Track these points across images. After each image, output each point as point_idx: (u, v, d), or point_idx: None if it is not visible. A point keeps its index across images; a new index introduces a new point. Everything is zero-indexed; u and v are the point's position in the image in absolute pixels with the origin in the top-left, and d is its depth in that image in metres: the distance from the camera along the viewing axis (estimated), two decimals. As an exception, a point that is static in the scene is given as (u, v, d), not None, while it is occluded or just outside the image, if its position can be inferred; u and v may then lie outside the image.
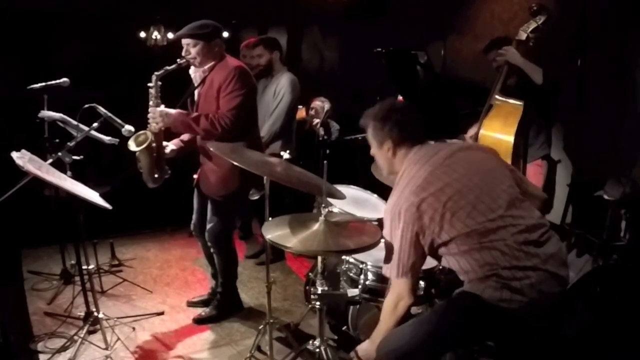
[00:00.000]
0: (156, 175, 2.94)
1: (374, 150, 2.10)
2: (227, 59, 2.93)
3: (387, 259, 1.94)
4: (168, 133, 2.98)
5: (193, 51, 2.83)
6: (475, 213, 1.81)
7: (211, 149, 2.65)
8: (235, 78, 2.81)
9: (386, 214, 1.94)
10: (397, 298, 1.91)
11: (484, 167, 1.95)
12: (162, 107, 2.87)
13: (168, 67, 2.82)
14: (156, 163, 2.92)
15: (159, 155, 2.92)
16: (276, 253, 3.95)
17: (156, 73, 2.81)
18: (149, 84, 2.83)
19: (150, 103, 2.86)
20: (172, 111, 2.87)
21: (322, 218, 2.05)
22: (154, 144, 2.88)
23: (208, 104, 2.89)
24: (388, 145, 2.02)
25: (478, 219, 1.80)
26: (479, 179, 1.88)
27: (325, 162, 2.15)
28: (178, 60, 2.85)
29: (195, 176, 3.13)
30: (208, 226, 3.04)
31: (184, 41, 2.85)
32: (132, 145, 2.82)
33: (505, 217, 1.81)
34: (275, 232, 2.02)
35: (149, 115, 2.86)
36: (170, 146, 3.02)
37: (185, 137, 3.10)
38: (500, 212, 1.82)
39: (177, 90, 3.06)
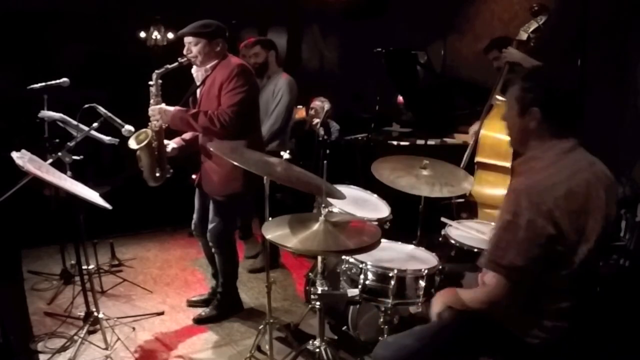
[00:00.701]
0: (157, 174, 2.93)
1: (509, 114, 1.78)
2: (229, 57, 2.93)
3: (498, 247, 1.66)
4: (170, 131, 2.98)
5: (194, 50, 2.83)
6: (590, 254, 1.65)
7: (211, 149, 2.65)
8: (238, 75, 2.81)
9: (519, 195, 1.64)
10: (489, 299, 1.70)
11: (609, 209, 1.72)
12: (162, 105, 2.87)
13: (169, 66, 2.82)
14: (157, 162, 2.92)
15: (160, 153, 2.92)
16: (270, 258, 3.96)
17: (157, 71, 2.82)
18: (150, 82, 2.83)
19: (151, 101, 2.87)
20: (171, 108, 2.88)
21: (322, 218, 2.05)
22: (154, 143, 2.88)
23: (210, 103, 2.89)
24: (534, 115, 1.69)
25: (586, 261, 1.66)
26: (598, 220, 1.69)
27: (325, 162, 2.15)
28: (179, 58, 2.85)
29: (194, 176, 3.13)
30: (210, 226, 3.04)
31: (186, 39, 2.85)
32: (132, 144, 2.82)
33: (585, 263, 1.67)
34: (275, 232, 2.02)
35: (150, 113, 2.86)
36: (171, 144, 3.02)
37: (187, 135, 3.10)
38: (583, 254, 1.66)
39: (179, 89, 3.07)
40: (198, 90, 3.00)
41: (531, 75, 1.77)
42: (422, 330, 1.90)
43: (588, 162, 1.72)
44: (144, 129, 2.86)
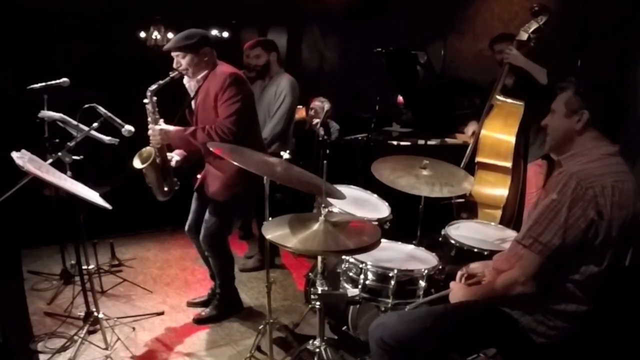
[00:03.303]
0: (166, 189, 2.96)
1: (552, 117, 1.83)
2: (219, 66, 2.91)
3: (538, 223, 1.68)
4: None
5: (184, 63, 2.83)
6: (619, 254, 1.71)
7: (211, 148, 2.65)
8: (231, 85, 2.80)
9: (569, 175, 1.67)
10: (516, 279, 1.72)
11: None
12: (162, 123, 2.87)
13: (161, 82, 2.81)
14: (163, 177, 2.93)
15: (165, 168, 2.94)
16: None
17: (150, 89, 2.81)
18: (145, 100, 2.82)
19: (149, 119, 2.86)
20: (171, 129, 2.87)
21: (322, 218, 2.05)
22: (158, 159, 2.89)
23: (207, 114, 2.89)
24: (581, 117, 1.73)
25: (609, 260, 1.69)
26: (632, 223, 1.73)
27: (325, 162, 2.15)
28: (170, 73, 2.84)
29: (199, 176, 3.12)
30: (204, 226, 3.02)
31: (174, 54, 2.84)
32: (137, 163, 2.83)
33: (612, 264, 1.71)
34: (275, 232, 2.02)
35: (149, 133, 2.87)
36: (175, 157, 3.03)
37: None
38: (614, 252, 1.70)
39: (175, 102, 3.06)
40: (193, 102, 2.99)
41: (586, 82, 1.80)
42: (431, 313, 1.92)
43: (627, 169, 1.77)
44: (146, 148, 2.87)
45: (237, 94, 2.81)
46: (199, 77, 2.89)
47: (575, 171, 1.67)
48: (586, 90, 1.75)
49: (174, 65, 2.85)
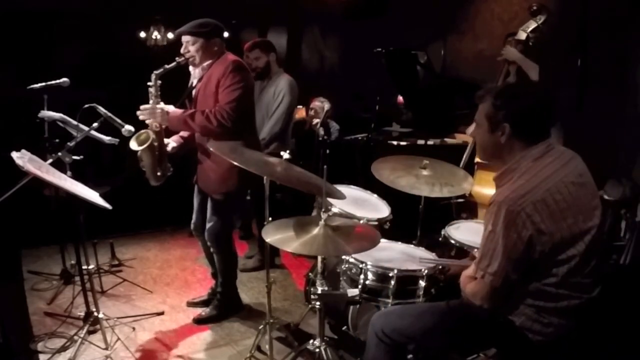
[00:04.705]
0: (159, 174, 2.94)
1: (478, 131, 1.86)
2: (226, 55, 2.93)
3: (484, 256, 1.73)
4: (168, 130, 2.98)
5: (192, 49, 2.84)
6: (589, 249, 1.71)
7: (211, 149, 2.65)
8: (233, 72, 2.81)
9: (498, 205, 1.69)
10: (476, 294, 1.77)
11: (593, 204, 1.78)
12: (161, 104, 2.87)
13: (167, 66, 2.82)
14: (158, 161, 2.93)
15: (161, 153, 2.93)
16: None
17: (155, 72, 2.81)
18: (149, 83, 2.83)
19: (151, 102, 2.86)
20: (171, 109, 2.87)
21: (322, 222, 2.05)
22: (155, 143, 2.88)
23: (206, 100, 2.89)
24: (504, 131, 1.76)
25: (578, 255, 1.70)
26: (586, 217, 1.74)
27: (325, 166, 2.14)
28: (177, 58, 2.85)
29: None
30: (208, 225, 3.04)
31: (184, 38, 2.86)
32: (133, 145, 2.82)
33: (583, 258, 1.71)
34: (275, 235, 2.02)
35: (146, 113, 2.84)
36: (171, 143, 3.02)
37: (185, 133, 3.10)
38: (581, 249, 1.71)
39: (176, 88, 3.06)
40: (194, 89, 3.00)
41: (501, 93, 1.81)
42: (432, 310, 1.93)
43: (561, 163, 1.77)
44: (144, 130, 2.86)
45: (239, 81, 2.82)
46: (205, 65, 2.90)
47: (503, 199, 1.69)
48: (502, 102, 1.76)
49: (182, 51, 2.87)
